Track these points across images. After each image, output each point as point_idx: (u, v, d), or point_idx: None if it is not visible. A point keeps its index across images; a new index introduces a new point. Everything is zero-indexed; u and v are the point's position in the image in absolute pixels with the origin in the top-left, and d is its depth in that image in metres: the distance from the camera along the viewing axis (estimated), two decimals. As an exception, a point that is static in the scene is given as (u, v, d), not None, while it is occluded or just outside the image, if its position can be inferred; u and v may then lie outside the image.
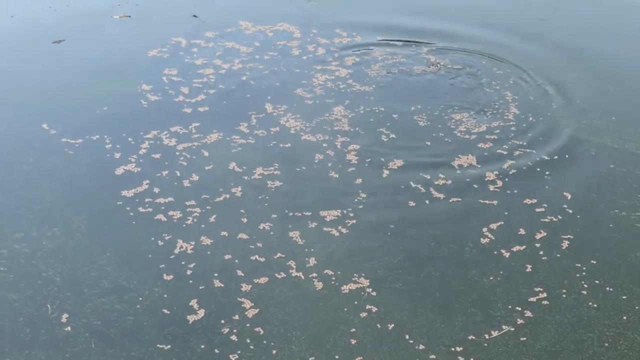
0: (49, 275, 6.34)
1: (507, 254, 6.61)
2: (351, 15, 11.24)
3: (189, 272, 6.37)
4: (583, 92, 9.21)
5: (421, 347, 5.73)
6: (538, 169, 7.72)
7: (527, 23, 11.09)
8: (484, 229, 6.89)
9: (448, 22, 11.00)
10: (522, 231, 6.88)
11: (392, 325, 5.92)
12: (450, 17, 11.17)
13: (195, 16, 10.95)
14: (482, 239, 6.79)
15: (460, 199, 7.29)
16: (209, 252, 6.59)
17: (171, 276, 6.32)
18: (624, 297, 6.20)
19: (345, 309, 6.05)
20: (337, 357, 5.66)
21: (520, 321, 5.96)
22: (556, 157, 7.93)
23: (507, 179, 7.56)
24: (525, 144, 8.14)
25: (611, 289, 6.26)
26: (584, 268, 6.47)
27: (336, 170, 7.65)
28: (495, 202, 7.23)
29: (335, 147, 8.00)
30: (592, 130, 8.41)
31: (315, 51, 10.05)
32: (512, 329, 5.89)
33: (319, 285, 6.27)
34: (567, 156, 7.95)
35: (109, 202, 7.16)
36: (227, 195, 7.27)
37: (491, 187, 7.44)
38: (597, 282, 6.34)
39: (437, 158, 7.89)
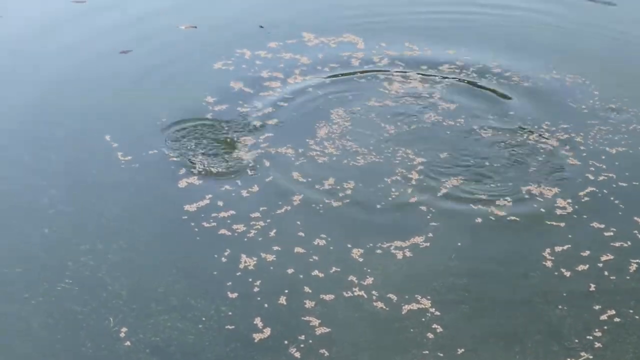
0: (114, 289, 6.35)
1: (573, 277, 6.50)
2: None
3: (255, 289, 6.36)
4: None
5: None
6: (611, 197, 7.53)
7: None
8: (548, 252, 6.77)
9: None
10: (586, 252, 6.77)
11: (462, 350, 5.83)
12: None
13: (261, 27, 10.91)
14: (546, 262, 6.66)
15: (525, 221, 7.17)
16: (271, 268, 6.56)
17: (236, 294, 6.29)
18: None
19: (412, 330, 5.98)
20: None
21: (597, 345, 5.85)
22: (636, 182, 7.73)
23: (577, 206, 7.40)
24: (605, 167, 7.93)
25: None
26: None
27: (400, 189, 7.56)
28: (562, 225, 7.10)
29: (404, 165, 7.90)
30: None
31: (380, 62, 9.98)
32: (591, 357, 5.76)
33: (382, 305, 6.20)
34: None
35: (174, 216, 7.15)
36: (289, 208, 7.24)
37: (559, 212, 7.30)
38: (671, 308, 6.20)
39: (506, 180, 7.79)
